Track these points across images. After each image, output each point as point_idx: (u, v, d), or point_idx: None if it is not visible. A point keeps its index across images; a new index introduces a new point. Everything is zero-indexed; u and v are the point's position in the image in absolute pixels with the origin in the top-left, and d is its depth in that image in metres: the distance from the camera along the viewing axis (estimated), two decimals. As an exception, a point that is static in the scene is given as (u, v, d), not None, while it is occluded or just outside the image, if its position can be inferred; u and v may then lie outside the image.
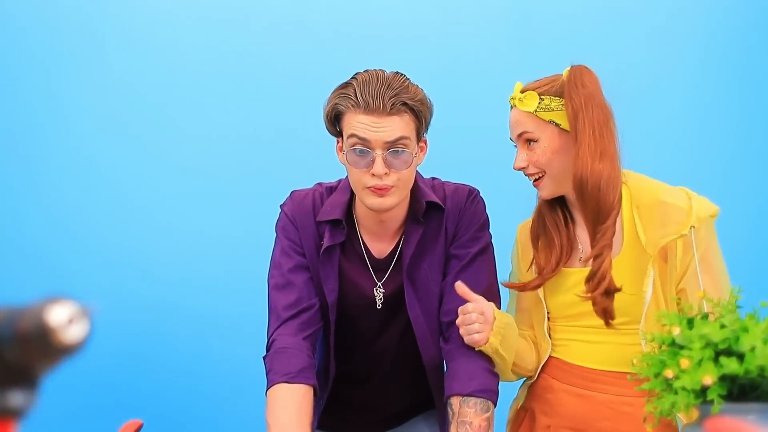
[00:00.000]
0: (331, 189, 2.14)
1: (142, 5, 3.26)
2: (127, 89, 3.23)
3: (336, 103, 1.96)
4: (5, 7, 3.25)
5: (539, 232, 2.12)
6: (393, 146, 1.92)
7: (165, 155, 3.22)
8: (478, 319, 1.96)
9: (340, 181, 2.16)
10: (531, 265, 2.14)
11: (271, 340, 2.06)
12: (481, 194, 2.15)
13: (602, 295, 1.94)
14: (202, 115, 3.24)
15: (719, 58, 3.31)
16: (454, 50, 3.28)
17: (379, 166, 1.92)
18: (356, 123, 1.92)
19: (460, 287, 1.97)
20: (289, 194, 2.17)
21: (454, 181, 2.18)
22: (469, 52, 3.27)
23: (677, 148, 3.25)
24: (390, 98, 1.90)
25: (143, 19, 3.26)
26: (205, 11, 3.27)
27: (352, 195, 2.10)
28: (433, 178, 2.18)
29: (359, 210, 2.10)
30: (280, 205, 2.16)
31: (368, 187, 1.95)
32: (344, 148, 1.97)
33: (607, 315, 1.97)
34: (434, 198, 2.08)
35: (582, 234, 2.09)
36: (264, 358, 2.05)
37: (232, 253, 3.17)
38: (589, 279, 1.96)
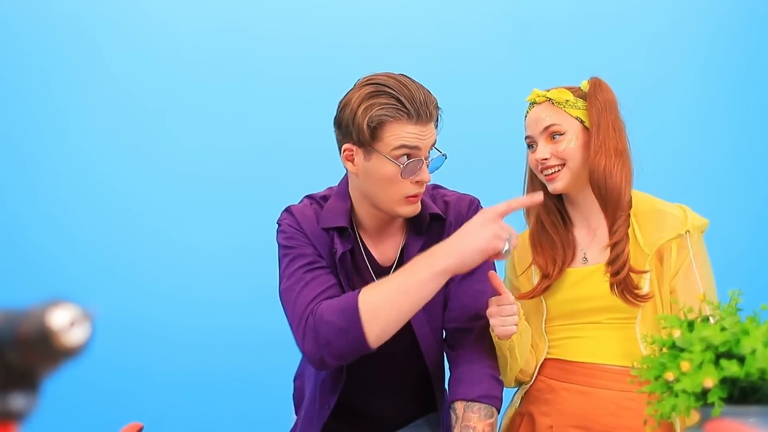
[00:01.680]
0: (324, 198, 2.12)
1: (141, 12, 3.27)
2: (126, 96, 3.24)
3: (380, 114, 1.91)
4: (4, 12, 3.26)
5: (540, 237, 2.16)
6: (431, 152, 1.96)
7: (162, 162, 3.22)
8: (517, 311, 1.97)
9: (331, 189, 2.14)
10: (527, 269, 2.18)
11: (309, 316, 1.92)
12: (482, 204, 2.16)
13: (624, 278, 2.03)
14: (200, 123, 3.24)
15: (720, 64, 3.32)
16: (455, 56, 3.28)
17: (427, 173, 1.95)
18: (406, 133, 1.91)
19: (494, 278, 1.98)
20: (283, 210, 2.13)
21: (454, 191, 2.18)
22: (471, 57, 3.28)
23: (678, 152, 3.25)
24: (433, 106, 1.93)
25: (142, 26, 3.26)
26: (203, 20, 3.27)
27: (351, 201, 2.09)
28: (435, 187, 2.18)
29: (361, 214, 2.08)
30: (278, 221, 2.12)
31: (408, 197, 1.95)
32: (383, 157, 1.92)
33: (630, 293, 2.03)
34: (436, 210, 2.08)
35: (580, 235, 2.17)
36: (294, 377, 2.04)
37: (230, 258, 3.17)
38: (611, 262, 2.05)
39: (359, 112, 1.93)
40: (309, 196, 2.15)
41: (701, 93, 3.31)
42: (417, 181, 1.95)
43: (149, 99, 3.25)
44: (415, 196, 1.96)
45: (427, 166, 1.95)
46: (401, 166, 1.92)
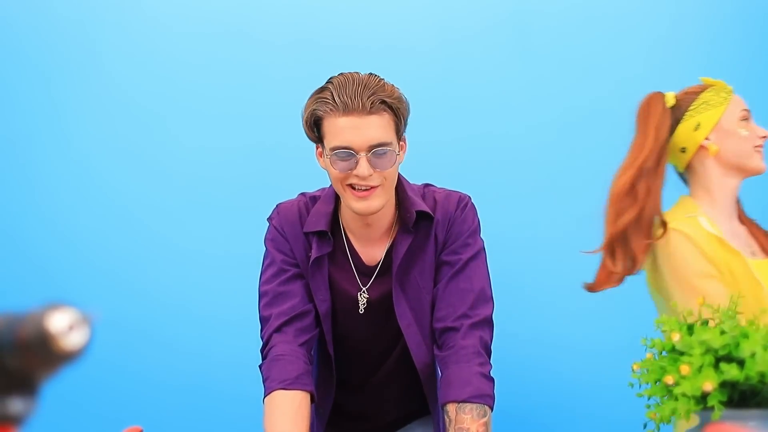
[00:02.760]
0: (314, 198, 2.13)
1: (139, 15, 3.27)
2: (125, 98, 3.24)
3: (314, 109, 1.94)
4: (4, 14, 3.26)
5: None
6: (376, 147, 1.91)
7: (163, 164, 3.22)
8: None
9: (323, 190, 2.15)
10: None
11: (267, 348, 2.05)
12: (472, 201, 2.14)
13: None
14: (200, 125, 3.24)
15: (720, 66, 3.31)
16: (455, 59, 3.28)
17: (363, 168, 1.91)
18: (336, 127, 1.91)
19: None
20: (274, 207, 2.16)
21: (447, 188, 2.17)
22: (470, 60, 3.27)
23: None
24: (368, 97, 1.89)
25: (141, 29, 3.26)
26: (202, 22, 3.27)
27: (337, 204, 2.09)
28: (426, 185, 2.17)
29: (346, 216, 2.09)
30: (268, 219, 2.15)
31: (351, 188, 1.94)
32: (326, 152, 1.96)
33: None
34: (424, 207, 2.07)
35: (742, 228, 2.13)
36: (260, 366, 2.05)
37: (230, 260, 3.17)
38: None
39: (305, 111, 1.98)
40: (303, 194, 2.18)
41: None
42: (356, 175, 1.92)
43: (149, 101, 3.25)
44: (360, 191, 1.94)
45: (368, 160, 1.91)
46: (329, 158, 1.93)
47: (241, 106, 3.25)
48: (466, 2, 3.29)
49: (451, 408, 1.96)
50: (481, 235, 2.13)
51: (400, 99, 1.96)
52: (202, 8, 3.29)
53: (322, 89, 1.95)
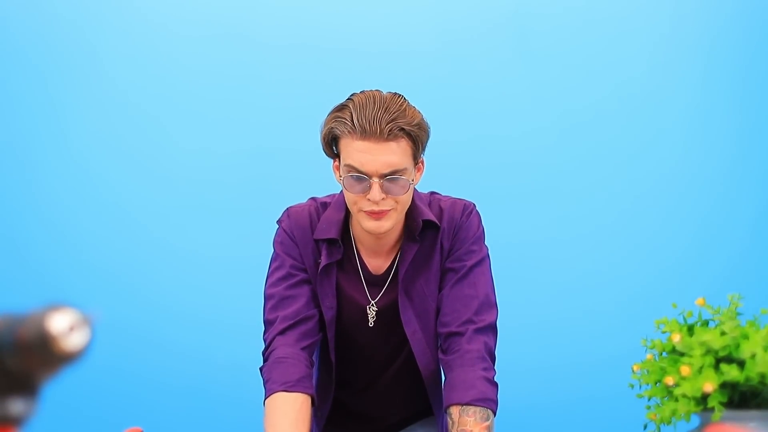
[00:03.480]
0: (324, 204, 2.13)
1: (139, 16, 3.27)
2: (125, 100, 3.24)
3: (332, 127, 1.93)
4: (3, 15, 3.26)
5: None
6: (390, 174, 1.91)
7: (162, 166, 3.22)
8: None
9: (333, 196, 2.15)
10: None
11: (269, 350, 2.06)
12: (477, 208, 2.14)
13: None
14: (200, 127, 3.25)
15: (721, 67, 3.32)
16: (455, 61, 3.28)
17: (375, 193, 1.91)
18: (352, 149, 1.90)
19: None
20: (284, 210, 2.16)
21: (452, 196, 2.17)
22: (471, 63, 3.28)
23: (679, 156, 3.26)
24: (387, 123, 1.87)
25: (141, 31, 3.27)
26: (202, 24, 3.28)
27: (347, 212, 2.09)
28: (431, 193, 2.17)
29: (356, 228, 2.09)
30: (278, 221, 2.15)
31: (364, 211, 1.95)
32: (341, 172, 1.96)
33: None
34: (430, 216, 2.07)
35: None
36: (261, 368, 2.05)
37: (230, 263, 3.17)
38: None
39: (323, 128, 1.96)
40: (313, 199, 2.17)
41: (702, 97, 3.31)
42: (368, 199, 1.92)
43: (148, 104, 3.25)
44: (372, 212, 1.94)
45: (381, 185, 1.90)
46: (343, 178, 1.93)
47: (240, 109, 3.26)
48: (466, 5, 3.30)
49: (454, 410, 1.97)
50: (485, 243, 2.14)
51: (420, 125, 1.93)
52: (202, 11, 3.29)
53: (342, 107, 1.93)
